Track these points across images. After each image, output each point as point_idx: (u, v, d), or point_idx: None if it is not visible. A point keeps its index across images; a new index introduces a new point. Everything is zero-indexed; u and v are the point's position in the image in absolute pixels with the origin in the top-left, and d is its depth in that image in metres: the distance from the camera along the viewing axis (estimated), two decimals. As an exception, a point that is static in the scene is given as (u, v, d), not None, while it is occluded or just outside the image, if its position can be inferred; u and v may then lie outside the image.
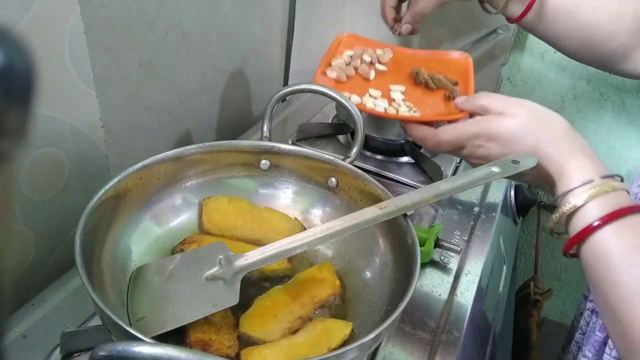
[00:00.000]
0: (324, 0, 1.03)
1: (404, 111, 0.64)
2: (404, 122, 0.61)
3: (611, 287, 0.45)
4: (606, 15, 0.70)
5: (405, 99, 0.67)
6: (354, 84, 0.69)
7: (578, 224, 0.47)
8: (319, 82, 0.66)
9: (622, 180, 0.49)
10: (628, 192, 0.48)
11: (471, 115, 0.58)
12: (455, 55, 0.72)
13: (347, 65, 0.71)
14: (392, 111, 0.64)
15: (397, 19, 0.78)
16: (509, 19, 0.75)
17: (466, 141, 0.55)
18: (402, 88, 0.68)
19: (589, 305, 0.71)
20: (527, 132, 0.51)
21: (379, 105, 0.65)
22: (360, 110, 0.61)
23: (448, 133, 0.56)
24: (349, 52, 0.73)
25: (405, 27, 0.77)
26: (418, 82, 0.69)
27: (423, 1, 0.74)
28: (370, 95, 0.67)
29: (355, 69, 0.71)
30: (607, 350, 0.61)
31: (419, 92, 0.69)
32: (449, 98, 0.66)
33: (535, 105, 0.53)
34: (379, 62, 0.74)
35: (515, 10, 0.73)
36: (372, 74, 0.71)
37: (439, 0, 0.74)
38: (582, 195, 0.47)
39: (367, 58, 0.73)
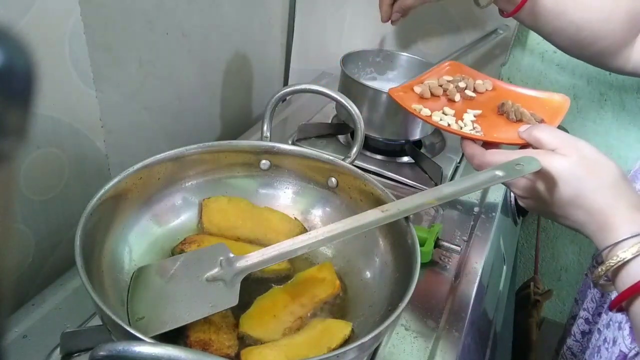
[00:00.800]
0: (323, 0, 1.03)
1: (467, 130, 0.62)
2: (463, 138, 0.59)
3: None
4: (597, 15, 0.71)
5: (476, 121, 0.64)
6: (435, 102, 0.67)
7: (627, 279, 0.45)
8: (395, 94, 0.65)
9: None
10: None
11: (528, 146, 0.56)
12: (556, 97, 0.68)
13: (438, 86, 0.69)
14: (454, 127, 0.62)
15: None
16: (502, 13, 0.76)
17: None
18: (478, 112, 0.66)
19: (583, 313, 0.71)
20: (573, 176, 0.49)
21: (444, 120, 0.63)
22: (425, 122, 0.62)
23: (494, 156, 0.54)
24: (448, 77, 0.71)
25: (394, 15, 0.82)
26: (500, 112, 0.66)
27: None
28: (442, 112, 0.65)
29: (445, 90, 0.69)
30: None
31: (497, 120, 0.65)
32: None
33: (589, 149, 0.51)
34: (473, 90, 0.71)
35: (506, 7, 0.74)
36: (458, 97, 0.68)
37: None
38: (631, 249, 0.45)
39: (462, 84, 0.70)
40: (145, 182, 0.52)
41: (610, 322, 0.60)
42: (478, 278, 0.64)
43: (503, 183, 0.53)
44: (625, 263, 0.45)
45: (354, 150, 0.60)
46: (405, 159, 0.83)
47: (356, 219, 0.48)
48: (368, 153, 0.83)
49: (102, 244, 0.47)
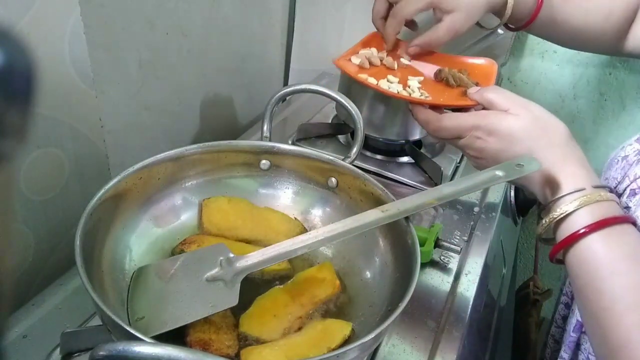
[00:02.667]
0: (323, 0, 1.03)
1: (417, 96, 0.65)
2: (412, 104, 0.62)
3: (594, 293, 0.45)
4: (597, 16, 0.73)
5: (421, 87, 0.67)
6: (375, 71, 0.70)
7: (566, 230, 0.48)
8: (339, 65, 0.68)
9: (611, 191, 0.49)
10: (618, 202, 0.49)
11: (478, 107, 0.59)
12: (483, 61, 0.74)
13: (373, 55, 0.73)
14: (404, 94, 0.65)
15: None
16: (509, 28, 0.79)
17: (466, 131, 0.55)
18: (421, 78, 0.69)
19: (563, 298, 0.71)
20: (526, 135, 0.52)
21: (393, 88, 0.66)
22: (374, 89, 0.63)
23: (450, 119, 0.57)
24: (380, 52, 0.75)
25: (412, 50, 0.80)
26: (439, 79, 0.70)
27: (398, 17, 0.74)
28: (387, 80, 0.68)
29: (381, 59, 0.72)
30: (581, 352, 0.61)
31: (438, 86, 0.69)
32: (465, 94, 0.67)
33: (540, 110, 0.53)
34: (406, 55, 0.75)
35: (515, 23, 0.77)
36: (396, 65, 0.72)
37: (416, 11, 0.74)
38: (573, 202, 0.48)
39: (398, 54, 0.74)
40: (145, 182, 0.52)
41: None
42: (478, 278, 0.64)
43: (460, 144, 0.56)
44: (567, 215, 0.48)
45: (354, 150, 0.60)
46: (405, 159, 0.83)
47: (356, 219, 0.48)
48: (368, 153, 0.83)
49: (102, 244, 0.47)
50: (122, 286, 0.47)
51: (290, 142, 0.82)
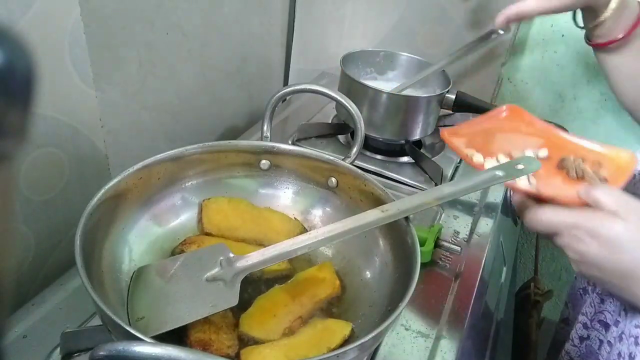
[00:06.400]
0: (323, 0, 1.03)
1: (522, 183, 0.55)
2: (513, 188, 0.54)
3: None
4: None
5: (532, 173, 0.58)
6: (486, 145, 0.61)
7: None
8: (445, 138, 0.61)
9: None
10: None
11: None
12: (622, 153, 0.62)
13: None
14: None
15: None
16: (588, 41, 0.75)
17: (563, 229, 0.49)
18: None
19: (581, 318, 0.69)
20: (633, 245, 0.46)
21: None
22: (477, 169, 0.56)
23: (548, 213, 0.50)
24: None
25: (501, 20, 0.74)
26: (560, 168, 0.59)
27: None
28: (496, 160, 0.59)
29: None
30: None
31: (555, 175, 0.59)
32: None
33: None
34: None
35: (602, 36, 0.72)
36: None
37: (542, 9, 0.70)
38: None
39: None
40: (145, 182, 0.52)
41: (623, 336, 0.59)
42: (478, 278, 0.64)
43: (557, 242, 0.50)
44: None
45: (354, 150, 0.60)
46: (405, 159, 0.83)
47: (356, 219, 0.48)
48: (368, 153, 0.83)
49: (102, 244, 0.47)
50: (122, 286, 0.47)
51: (290, 142, 0.82)
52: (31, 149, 0.51)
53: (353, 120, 0.60)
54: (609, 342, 0.62)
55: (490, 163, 0.58)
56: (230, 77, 0.85)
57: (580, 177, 0.58)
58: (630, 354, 0.56)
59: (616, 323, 0.61)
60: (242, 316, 0.48)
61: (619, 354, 0.58)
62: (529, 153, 0.61)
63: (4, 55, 0.14)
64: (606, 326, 0.64)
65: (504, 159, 0.59)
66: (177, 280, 0.46)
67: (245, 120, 0.94)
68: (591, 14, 0.71)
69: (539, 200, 0.53)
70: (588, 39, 0.75)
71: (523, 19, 0.74)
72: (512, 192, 0.55)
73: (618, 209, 0.47)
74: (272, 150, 0.59)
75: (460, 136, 0.62)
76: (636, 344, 0.56)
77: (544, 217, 0.50)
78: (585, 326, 0.69)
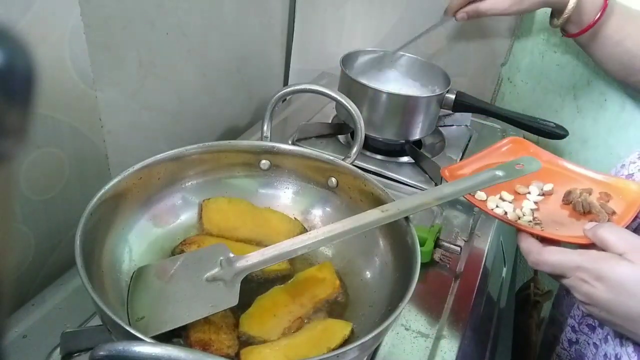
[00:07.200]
0: (323, 0, 1.03)
1: (526, 220, 0.56)
2: (518, 229, 0.54)
3: None
4: None
5: (538, 209, 0.58)
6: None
7: None
8: (446, 177, 0.60)
9: None
10: None
11: (591, 245, 0.51)
12: (632, 185, 0.60)
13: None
14: (511, 216, 0.56)
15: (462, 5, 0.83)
16: (564, 33, 0.81)
17: (569, 271, 0.48)
18: (539, 198, 0.59)
19: (570, 321, 0.69)
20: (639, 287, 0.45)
21: (501, 206, 0.58)
22: (479, 208, 0.57)
23: (552, 254, 0.49)
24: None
25: (461, 14, 0.83)
26: (566, 202, 0.59)
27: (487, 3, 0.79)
28: (500, 198, 0.59)
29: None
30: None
31: (561, 210, 0.58)
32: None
33: None
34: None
35: (571, 29, 0.79)
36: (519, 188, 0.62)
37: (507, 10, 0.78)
38: None
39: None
40: (145, 182, 0.52)
41: (609, 337, 0.59)
42: (478, 278, 0.64)
43: (564, 283, 0.50)
44: None
45: (354, 150, 0.60)
46: (405, 159, 0.83)
47: (356, 219, 0.48)
48: (368, 153, 0.83)
49: (102, 244, 0.47)
50: (122, 286, 0.47)
51: (290, 142, 0.82)
52: (31, 149, 0.51)
53: (353, 120, 0.60)
54: (594, 343, 0.62)
55: (492, 201, 0.58)
56: (230, 77, 0.85)
57: (587, 211, 0.57)
58: (617, 355, 0.56)
59: (602, 325, 0.61)
60: (242, 316, 0.48)
61: (605, 355, 0.58)
62: (534, 189, 0.60)
63: (4, 55, 0.14)
64: (592, 328, 0.64)
65: (508, 197, 0.59)
66: (177, 280, 0.46)
67: (245, 120, 0.94)
68: (557, 12, 0.78)
69: (544, 239, 0.52)
70: (563, 31, 0.81)
71: (479, 17, 0.82)
72: (519, 237, 0.53)
73: (625, 250, 0.46)
74: (272, 150, 0.59)
75: (462, 175, 0.61)
76: (621, 345, 0.56)
77: (549, 258, 0.50)
78: (573, 329, 0.69)
